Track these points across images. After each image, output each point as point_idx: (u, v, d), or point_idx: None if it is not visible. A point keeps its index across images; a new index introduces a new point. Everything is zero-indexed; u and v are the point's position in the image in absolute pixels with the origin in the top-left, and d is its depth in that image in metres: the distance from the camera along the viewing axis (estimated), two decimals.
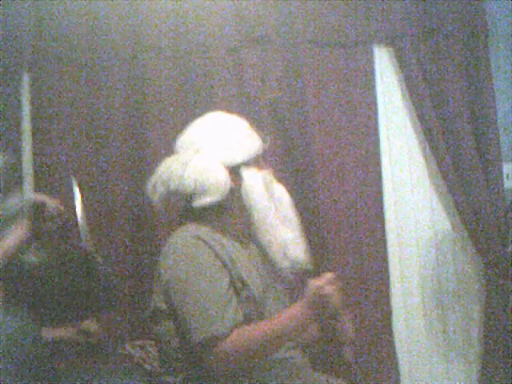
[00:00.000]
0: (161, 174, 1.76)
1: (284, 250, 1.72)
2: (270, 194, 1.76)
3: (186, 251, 1.65)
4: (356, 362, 1.93)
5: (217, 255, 1.65)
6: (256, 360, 1.62)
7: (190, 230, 1.70)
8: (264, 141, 1.83)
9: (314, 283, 1.60)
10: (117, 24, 2.51)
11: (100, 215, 2.47)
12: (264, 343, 1.59)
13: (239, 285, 1.66)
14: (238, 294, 1.64)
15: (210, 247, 1.65)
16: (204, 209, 1.71)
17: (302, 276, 1.73)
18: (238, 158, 1.75)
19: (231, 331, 1.56)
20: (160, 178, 1.76)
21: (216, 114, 1.89)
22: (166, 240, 1.75)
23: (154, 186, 1.77)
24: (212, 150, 1.74)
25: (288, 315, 1.62)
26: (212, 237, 1.69)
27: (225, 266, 1.65)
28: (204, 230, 1.70)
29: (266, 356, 1.63)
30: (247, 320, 1.63)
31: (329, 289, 1.58)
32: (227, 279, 1.63)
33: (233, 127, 1.80)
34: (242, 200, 1.74)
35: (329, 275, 1.61)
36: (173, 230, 1.79)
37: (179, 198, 1.75)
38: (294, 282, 1.91)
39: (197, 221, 1.74)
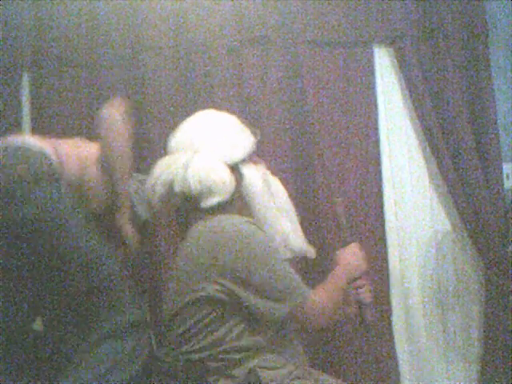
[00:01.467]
0: (159, 176, 1.77)
1: (285, 241, 1.78)
2: (268, 188, 1.80)
3: (245, 233, 1.67)
4: (375, 323, 2.14)
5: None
6: (334, 313, 1.78)
7: (235, 217, 1.72)
8: (255, 135, 1.85)
9: (341, 250, 1.88)
10: (117, 24, 2.51)
11: (100, 215, 2.47)
12: (335, 297, 1.76)
13: None
14: None
15: (260, 228, 1.71)
16: (209, 208, 1.72)
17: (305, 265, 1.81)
18: (237, 156, 1.77)
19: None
20: (159, 180, 1.76)
21: (207, 112, 1.90)
22: (191, 235, 1.75)
23: (153, 187, 1.78)
24: (211, 149, 1.75)
25: (336, 275, 1.82)
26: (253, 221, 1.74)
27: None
28: (243, 217, 1.73)
29: (338, 310, 1.81)
30: None
31: (356, 249, 1.88)
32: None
33: (227, 125, 1.82)
34: (242, 196, 1.77)
35: (354, 244, 1.91)
36: (172, 228, 1.78)
37: (184, 199, 1.76)
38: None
39: (204, 217, 1.74)
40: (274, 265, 1.66)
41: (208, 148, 1.75)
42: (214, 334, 1.65)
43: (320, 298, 1.71)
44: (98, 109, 2.49)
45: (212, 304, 1.65)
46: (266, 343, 1.67)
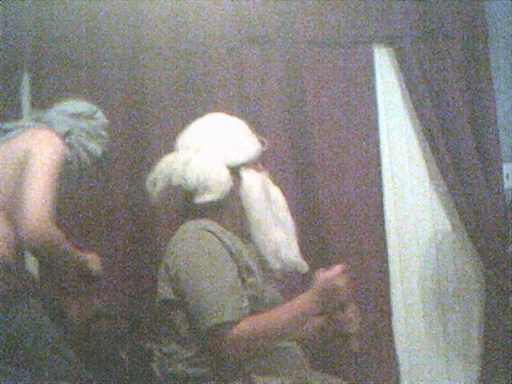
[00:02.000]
0: (161, 171, 1.80)
1: (276, 251, 1.76)
2: (267, 196, 1.80)
3: (196, 242, 1.68)
4: (361, 354, 2.03)
5: (225, 245, 1.69)
6: (263, 347, 1.65)
7: (197, 223, 1.73)
8: (262, 143, 1.86)
9: (324, 274, 1.65)
10: (117, 24, 2.51)
11: (100, 215, 2.47)
12: (272, 331, 1.64)
13: (246, 273, 1.70)
14: (244, 281, 1.68)
15: (218, 238, 1.69)
16: (204, 206, 1.75)
17: (294, 278, 1.76)
18: (238, 159, 1.78)
19: (240, 319, 1.61)
20: (160, 175, 1.79)
21: (217, 115, 1.92)
22: (171, 235, 1.78)
23: (154, 182, 1.81)
24: (213, 149, 1.77)
25: (295, 304, 1.67)
26: (218, 229, 1.73)
27: (232, 255, 1.69)
28: (210, 223, 1.73)
29: (273, 344, 1.67)
30: (252, 306, 1.67)
31: (338, 280, 1.64)
32: (235, 269, 1.67)
33: (233, 129, 1.84)
34: (240, 200, 1.77)
35: (338, 267, 1.66)
36: (172, 228, 1.79)
37: (180, 194, 1.78)
38: (285, 283, 2.01)
39: (198, 217, 1.76)
40: (210, 273, 1.64)
41: (210, 148, 1.77)
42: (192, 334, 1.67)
43: (252, 326, 1.62)
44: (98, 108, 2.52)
45: (175, 307, 1.69)
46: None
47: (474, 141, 2.67)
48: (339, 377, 2.11)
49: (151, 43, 2.51)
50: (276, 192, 1.85)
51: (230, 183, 1.74)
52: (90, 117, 2.03)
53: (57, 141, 1.87)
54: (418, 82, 2.66)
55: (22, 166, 1.76)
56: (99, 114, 2.06)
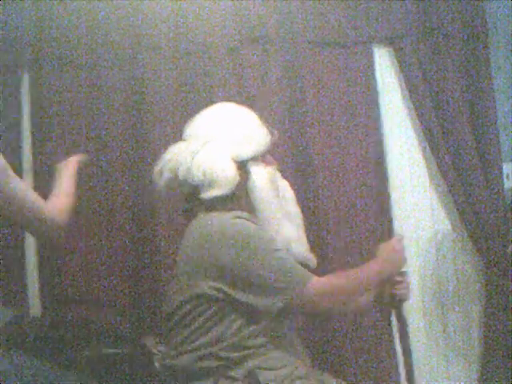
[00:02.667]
0: (168, 161, 1.77)
1: (286, 245, 1.75)
2: (275, 190, 1.78)
3: (236, 229, 1.66)
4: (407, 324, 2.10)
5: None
6: (346, 300, 1.77)
7: (227, 214, 1.70)
8: (272, 135, 1.84)
9: (386, 243, 1.86)
10: (117, 24, 2.51)
11: (100, 215, 2.47)
12: (352, 285, 1.73)
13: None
14: None
15: (253, 222, 1.69)
16: (211, 200, 1.72)
17: None
18: (247, 153, 1.76)
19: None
20: (167, 165, 1.77)
21: (227, 105, 1.88)
22: (190, 231, 1.74)
23: (161, 171, 1.78)
24: (221, 142, 1.74)
25: (371, 266, 1.80)
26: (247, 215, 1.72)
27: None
28: (236, 213, 1.71)
29: (351, 299, 1.80)
30: None
31: (399, 245, 1.85)
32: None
33: (243, 120, 1.81)
34: (248, 194, 1.75)
35: (398, 236, 1.91)
36: (172, 227, 1.77)
37: (187, 187, 1.76)
38: None
39: (209, 209, 1.73)
40: (266, 258, 1.63)
41: (218, 140, 1.74)
42: (212, 331, 1.64)
43: (330, 283, 1.69)
44: (98, 109, 2.52)
45: (208, 301, 1.64)
46: (265, 340, 1.66)
47: (473, 141, 2.67)
48: (339, 377, 2.11)
49: (151, 43, 2.52)
50: (285, 186, 1.84)
51: (237, 178, 1.72)
52: None
53: None
54: (418, 81, 2.66)
55: None
56: None
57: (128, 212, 2.49)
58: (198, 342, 1.65)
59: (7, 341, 1.63)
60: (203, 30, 2.53)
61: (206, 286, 1.64)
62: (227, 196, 1.72)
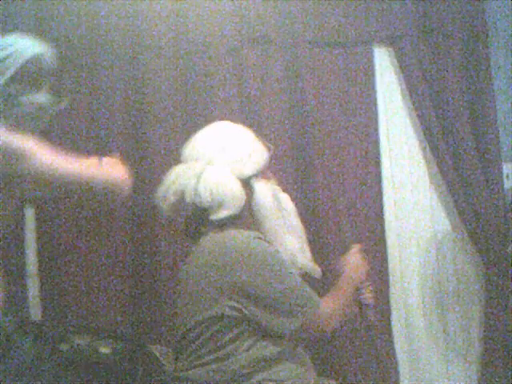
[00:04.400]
0: (171, 184, 1.77)
1: (292, 258, 1.78)
2: (278, 205, 1.81)
3: (256, 250, 1.67)
4: (376, 324, 2.24)
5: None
6: (343, 319, 1.80)
7: (242, 232, 1.71)
8: (269, 149, 1.86)
9: (344, 257, 1.89)
10: (117, 24, 2.51)
11: (100, 215, 2.47)
12: (343, 302, 1.78)
13: None
14: None
15: (269, 243, 1.72)
16: (219, 221, 1.73)
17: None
18: (250, 170, 1.77)
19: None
20: (171, 188, 1.77)
21: (223, 124, 1.90)
22: (205, 251, 1.73)
23: (165, 195, 1.78)
24: (224, 162, 1.75)
25: (343, 283, 1.82)
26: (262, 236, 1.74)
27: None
28: (249, 232, 1.72)
29: (347, 313, 1.84)
30: None
31: (358, 255, 1.88)
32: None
33: (242, 138, 1.82)
34: (252, 211, 1.77)
35: (356, 246, 1.92)
36: (173, 228, 1.76)
37: (194, 210, 1.76)
38: None
39: (216, 228, 1.74)
40: (285, 280, 1.67)
41: (221, 160, 1.75)
42: (225, 348, 1.65)
43: (329, 305, 1.73)
44: (98, 109, 2.52)
45: (224, 321, 1.65)
46: (274, 354, 1.67)
47: (473, 141, 2.67)
48: (339, 377, 2.11)
49: (151, 43, 2.51)
50: (286, 199, 1.86)
51: (244, 197, 1.74)
52: None
53: None
54: (418, 82, 2.66)
55: None
56: (9, 56, 1.65)
57: (128, 212, 2.49)
58: (208, 358, 1.66)
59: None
60: (203, 29, 2.53)
61: (225, 307, 1.64)
62: (234, 215, 1.73)
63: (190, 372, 1.68)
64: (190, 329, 1.70)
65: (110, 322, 2.37)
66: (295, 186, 2.56)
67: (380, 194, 2.67)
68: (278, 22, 2.60)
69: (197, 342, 1.68)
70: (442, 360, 2.70)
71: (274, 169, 2.49)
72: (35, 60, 1.68)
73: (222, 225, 1.74)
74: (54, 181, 1.57)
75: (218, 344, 1.66)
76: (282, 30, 2.60)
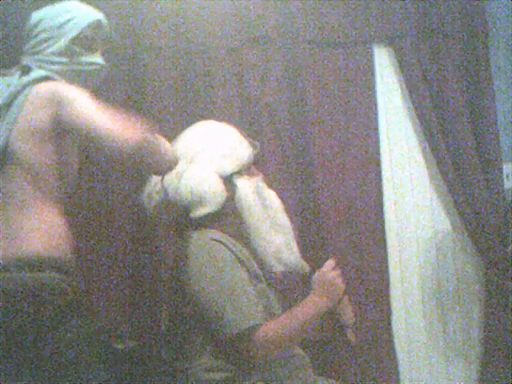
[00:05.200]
0: (155, 184, 1.80)
1: (277, 254, 1.77)
2: (262, 201, 1.81)
3: (207, 254, 1.68)
4: (358, 346, 2.12)
5: (234, 254, 1.70)
6: (287, 347, 1.71)
7: (205, 234, 1.72)
8: (254, 147, 1.86)
9: (319, 271, 1.78)
10: (117, 24, 2.51)
11: (100, 215, 2.47)
12: (294, 330, 1.68)
13: (255, 280, 1.72)
14: (255, 287, 1.71)
15: (229, 249, 1.70)
16: (202, 217, 1.74)
17: (296, 279, 1.78)
18: (231, 168, 1.79)
19: (262, 322, 1.64)
20: (155, 188, 1.79)
21: (207, 123, 1.92)
22: (179, 247, 1.76)
23: (150, 195, 1.80)
24: (205, 159, 1.77)
25: (307, 304, 1.74)
26: (226, 238, 1.73)
27: (243, 264, 1.71)
28: (217, 233, 1.73)
29: (294, 343, 1.73)
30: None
31: (332, 273, 1.77)
32: (248, 276, 1.70)
33: (224, 136, 1.84)
34: (235, 208, 1.78)
35: (330, 261, 1.81)
36: (169, 234, 1.77)
37: (176, 208, 1.78)
38: (286, 285, 2.11)
39: (198, 227, 1.76)
40: (226, 287, 1.64)
41: (202, 158, 1.77)
42: (222, 345, 1.66)
43: (275, 331, 1.66)
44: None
45: (190, 321, 1.68)
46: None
47: (474, 141, 2.67)
48: (339, 377, 2.11)
49: (151, 43, 2.51)
50: (271, 195, 1.86)
51: (225, 194, 1.75)
52: (34, 27, 1.77)
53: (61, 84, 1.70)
54: (418, 81, 2.66)
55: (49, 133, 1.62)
56: (42, 12, 1.79)
57: (128, 212, 2.49)
58: (204, 356, 1.67)
59: None
60: (203, 29, 2.53)
61: (182, 305, 1.68)
62: (216, 212, 1.74)
63: (190, 371, 1.69)
64: (169, 329, 1.75)
65: (110, 322, 2.37)
66: (295, 186, 2.56)
67: (380, 194, 2.67)
68: (278, 22, 2.59)
69: (188, 340, 1.70)
70: (442, 360, 2.70)
71: (274, 169, 2.52)
72: (94, 25, 1.82)
73: (202, 223, 1.75)
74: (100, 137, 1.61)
75: (214, 343, 1.66)
76: (282, 30, 2.60)
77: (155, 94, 2.50)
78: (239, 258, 1.70)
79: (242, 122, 2.45)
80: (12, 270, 1.53)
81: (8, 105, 1.65)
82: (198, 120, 2.08)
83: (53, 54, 1.74)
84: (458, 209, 2.65)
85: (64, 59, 1.75)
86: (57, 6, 1.81)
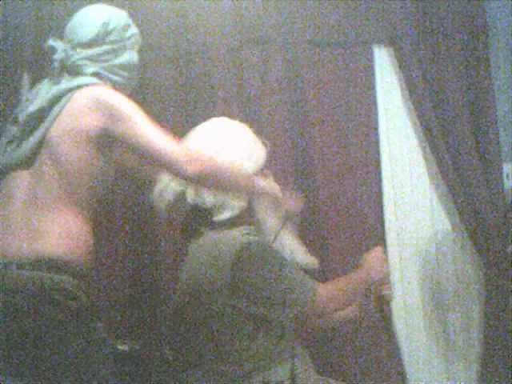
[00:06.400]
0: (169, 182, 1.76)
1: (292, 255, 1.79)
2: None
3: (247, 245, 1.66)
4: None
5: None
6: (342, 308, 1.84)
7: (235, 233, 1.71)
8: (265, 146, 1.85)
9: (369, 253, 1.90)
10: None
11: (100, 215, 2.47)
12: (345, 293, 1.78)
13: None
14: None
15: (257, 236, 1.72)
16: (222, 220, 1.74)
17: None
18: (250, 169, 1.77)
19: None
20: (169, 187, 1.76)
21: (221, 120, 1.88)
22: (198, 252, 1.75)
23: (161, 193, 1.77)
24: (226, 161, 1.73)
25: (357, 273, 1.85)
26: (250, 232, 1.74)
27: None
28: (240, 230, 1.73)
29: (346, 305, 1.86)
30: None
31: (381, 254, 1.90)
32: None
33: (242, 137, 1.81)
34: (253, 210, 1.78)
35: (379, 247, 1.94)
36: (173, 228, 1.76)
37: (195, 211, 1.75)
38: None
39: (214, 227, 1.74)
40: (279, 271, 1.65)
41: (222, 160, 1.73)
42: (225, 348, 1.66)
43: (329, 290, 1.73)
44: None
45: (223, 320, 1.65)
46: (275, 355, 1.67)
47: (473, 141, 2.67)
48: (339, 377, 2.11)
49: (151, 43, 2.51)
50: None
51: (246, 197, 1.74)
52: (105, 36, 1.80)
53: (108, 89, 1.73)
54: (418, 81, 2.66)
55: (89, 143, 1.62)
56: (113, 22, 1.84)
57: (128, 212, 2.49)
58: (207, 358, 1.67)
59: None
60: (203, 30, 2.53)
61: (223, 305, 1.64)
62: (236, 215, 1.74)
63: (189, 372, 1.68)
64: (189, 329, 1.70)
65: (110, 322, 2.37)
66: (295, 186, 2.56)
67: (380, 194, 2.67)
68: (278, 21, 2.60)
69: (196, 342, 1.68)
70: (442, 360, 2.70)
71: (274, 169, 2.51)
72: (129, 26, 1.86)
73: (221, 224, 1.74)
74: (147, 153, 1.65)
75: (217, 344, 1.65)
76: (282, 30, 2.60)
77: (155, 94, 2.50)
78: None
79: (241, 122, 2.44)
80: (29, 268, 1.54)
81: (50, 106, 1.65)
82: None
83: (118, 66, 1.78)
84: (458, 209, 2.65)
85: (126, 73, 1.80)
86: (118, 14, 1.88)
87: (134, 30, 1.86)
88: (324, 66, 2.65)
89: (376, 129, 2.69)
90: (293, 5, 2.59)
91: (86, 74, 1.72)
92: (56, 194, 1.60)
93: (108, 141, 1.65)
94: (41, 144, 1.63)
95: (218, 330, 1.66)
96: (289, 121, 2.59)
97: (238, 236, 1.69)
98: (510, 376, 2.58)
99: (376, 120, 2.69)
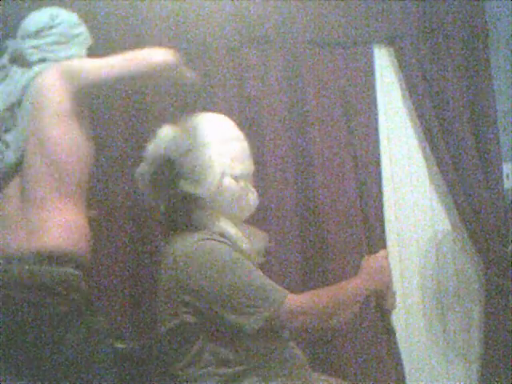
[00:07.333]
0: (149, 161, 1.80)
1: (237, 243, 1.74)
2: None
3: (204, 251, 1.64)
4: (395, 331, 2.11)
5: (231, 247, 1.68)
6: (320, 322, 1.66)
7: (194, 237, 1.68)
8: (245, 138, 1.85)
9: (371, 257, 1.80)
10: (117, 24, 2.51)
11: (100, 215, 2.47)
12: (330, 305, 1.66)
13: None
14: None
15: (223, 242, 1.67)
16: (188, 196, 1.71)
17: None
18: (239, 171, 1.76)
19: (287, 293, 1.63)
20: (148, 159, 1.80)
21: (197, 116, 1.89)
22: (166, 255, 1.74)
23: (143, 175, 1.79)
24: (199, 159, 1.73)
25: (349, 282, 1.74)
26: (216, 236, 1.70)
27: (242, 252, 1.70)
28: (206, 234, 1.69)
29: (329, 320, 1.67)
30: None
31: (384, 261, 1.79)
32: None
33: (215, 132, 1.80)
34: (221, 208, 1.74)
35: (383, 251, 1.83)
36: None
37: (165, 169, 1.74)
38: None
39: (175, 231, 1.74)
40: (238, 277, 1.61)
41: (196, 157, 1.74)
42: (202, 354, 1.64)
43: (306, 299, 1.65)
44: (97, 109, 2.51)
45: (190, 328, 1.65)
46: (260, 358, 1.65)
47: (473, 141, 2.67)
48: (339, 377, 2.11)
49: (151, 43, 2.51)
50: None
51: (218, 182, 1.72)
52: (52, 27, 1.85)
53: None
54: (417, 81, 2.66)
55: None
56: (61, 17, 1.88)
57: (128, 212, 2.49)
58: (193, 363, 1.66)
59: None
60: (203, 30, 2.53)
61: (184, 314, 1.64)
62: (200, 212, 1.71)
63: (183, 374, 1.68)
64: (163, 336, 1.72)
65: (110, 322, 2.37)
66: (295, 186, 2.56)
67: (380, 194, 2.67)
68: (277, 21, 2.60)
69: (176, 349, 1.69)
70: (442, 360, 2.70)
71: (274, 169, 2.52)
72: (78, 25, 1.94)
73: (187, 226, 1.72)
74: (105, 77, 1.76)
75: (193, 350, 1.65)
76: (282, 30, 2.60)
77: (155, 94, 2.50)
78: (239, 249, 1.70)
79: (242, 122, 2.45)
80: (30, 262, 1.54)
81: (19, 101, 1.71)
82: None
83: (64, 59, 1.82)
84: (457, 209, 2.65)
85: None
86: (68, 13, 1.92)
87: (83, 29, 1.93)
88: (324, 65, 2.65)
89: (376, 129, 2.69)
90: (293, 5, 2.59)
91: (33, 62, 1.78)
92: (48, 186, 1.64)
93: (82, 109, 1.74)
94: (25, 142, 1.67)
95: (184, 339, 1.66)
96: (289, 121, 2.59)
97: (195, 240, 1.66)
98: (510, 376, 2.58)
99: (376, 120, 2.69)
